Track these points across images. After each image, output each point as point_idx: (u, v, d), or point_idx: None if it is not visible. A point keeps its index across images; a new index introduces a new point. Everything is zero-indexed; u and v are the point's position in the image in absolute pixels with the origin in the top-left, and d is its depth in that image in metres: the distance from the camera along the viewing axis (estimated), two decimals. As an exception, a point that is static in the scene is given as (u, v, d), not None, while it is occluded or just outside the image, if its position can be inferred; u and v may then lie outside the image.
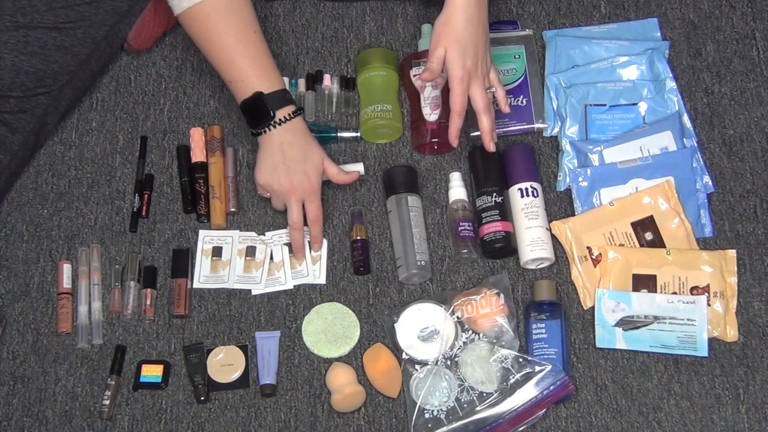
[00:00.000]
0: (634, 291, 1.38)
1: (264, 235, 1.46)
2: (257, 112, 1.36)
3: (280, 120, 1.36)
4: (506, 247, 1.42)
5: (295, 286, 1.42)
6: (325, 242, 1.45)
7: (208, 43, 1.37)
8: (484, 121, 1.40)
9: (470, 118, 1.50)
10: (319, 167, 1.38)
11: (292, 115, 1.37)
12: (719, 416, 1.33)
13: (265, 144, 1.37)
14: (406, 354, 1.36)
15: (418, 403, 1.32)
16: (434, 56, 1.37)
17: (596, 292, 1.38)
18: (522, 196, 1.43)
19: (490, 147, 1.42)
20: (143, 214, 1.47)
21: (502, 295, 1.38)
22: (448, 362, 1.36)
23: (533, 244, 1.40)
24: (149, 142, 1.53)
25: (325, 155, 1.39)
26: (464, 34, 1.35)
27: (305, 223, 1.41)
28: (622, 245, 1.42)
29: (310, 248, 1.44)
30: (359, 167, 1.49)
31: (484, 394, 1.33)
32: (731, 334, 1.37)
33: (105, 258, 1.45)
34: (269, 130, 1.36)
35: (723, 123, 1.52)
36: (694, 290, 1.37)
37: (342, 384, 1.34)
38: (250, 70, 1.36)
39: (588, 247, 1.41)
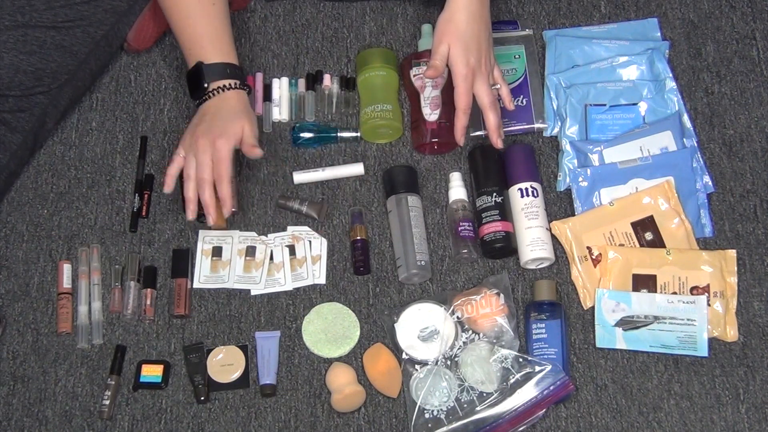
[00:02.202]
0: (634, 291, 1.38)
1: (266, 236, 1.46)
2: (193, 83, 1.38)
3: (213, 91, 1.37)
4: (506, 247, 1.42)
5: (294, 288, 1.43)
6: (324, 242, 1.45)
7: (169, 12, 1.40)
8: (491, 118, 1.40)
9: (472, 117, 1.50)
10: (237, 131, 1.35)
11: (227, 88, 1.37)
12: (719, 416, 1.33)
13: (198, 112, 1.39)
14: (406, 354, 1.36)
15: (418, 403, 1.32)
16: (438, 53, 1.37)
17: (596, 292, 1.38)
18: (522, 196, 1.43)
19: (498, 143, 1.42)
20: (143, 214, 1.47)
21: (502, 295, 1.38)
22: (448, 362, 1.36)
23: (533, 244, 1.40)
24: (149, 142, 1.53)
25: (249, 130, 1.36)
26: (467, 31, 1.36)
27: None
28: (622, 245, 1.42)
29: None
30: (359, 167, 1.49)
31: (484, 394, 1.33)
32: (731, 334, 1.37)
33: (105, 258, 1.45)
34: (205, 100, 1.37)
35: (723, 123, 1.52)
36: (694, 290, 1.37)
37: (342, 384, 1.34)
38: (198, 41, 1.38)
39: (588, 247, 1.41)
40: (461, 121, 1.40)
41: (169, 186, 1.35)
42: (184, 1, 1.38)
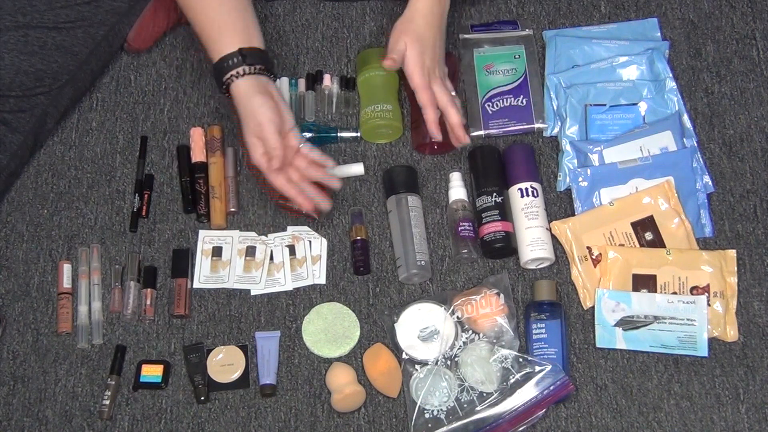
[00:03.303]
0: (634, 291, 1.38)
1: (266, 236, 1.46)
2: (215, 77, 1.36)
3: (224, 88, 1.35)
4: (506, 247, 1.42)
5: (294, 288, 1.43)
6: (324, 242, 1.45)
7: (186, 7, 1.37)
8: (453, 115, 1.40)
9: (470, 117, 1.50)
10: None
11: (231, 81, 1.34)
12: (719, 416, 1.33)
13: (235, 101, 1.36)
14: (406, 354, 1.36)
15: (418, 403, 1.32)
16: (395, 50, 1.38)
17: (596, 292, 1.38)
18: (522, 196, 1.43)
19: (464, 139, 1.42)
20: (143, 214, 1.47)
21: (502, 295, 1.38)
22: (448, 362, 1.36)
23: (533, 244, 1.40)
24: (149, 142, 1.53)
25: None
26: (425, 35, 1.38)
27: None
28: (622, 245, 1.42)
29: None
30: (359, 167, 1.49)
31: (484, 394, 1.33)
32: (731, 334, 1.37)
33: (105, 258, 1.45)
34: (228, 92, 1.35)
35: (723, 123, 1.52)
36: (694, 290, 1.37)
37: (342, 384, 1.34)
38: (204, 40, 1.36)
39: (588, 247, 1.41)
40: (430, 115, 1.39)
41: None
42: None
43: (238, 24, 1.36)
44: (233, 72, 1.33)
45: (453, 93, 1.43)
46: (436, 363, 1.35)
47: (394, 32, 1.39)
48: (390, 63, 1.38)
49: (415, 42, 1.37)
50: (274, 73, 1.38)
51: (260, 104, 1.32)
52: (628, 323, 1.36)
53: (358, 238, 1.44)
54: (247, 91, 1.33)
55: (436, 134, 1.41)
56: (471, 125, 1.50)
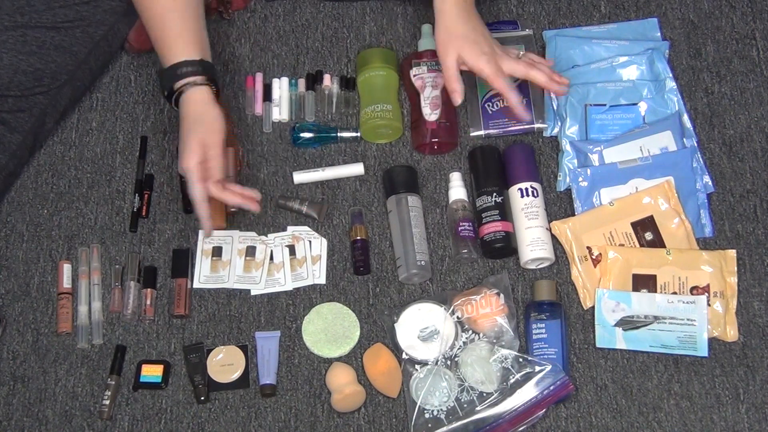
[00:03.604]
0: (634, 291, 1.38)
1: (266, 236, 1.46)
2: (167, 78, 1.36)
3: (181, 88, 1.35)
4: (506, 247, 1.42)
5: (294, 288, 1.43)
6: (324, 242, 1.45)
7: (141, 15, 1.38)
8: (538, 76, 1.39)
9: (470, 117, 1.50)
10: (219, 126, 1.34)
11: (179, 95, 1.35)
12: (719, 416, 1.33)
13: (188, 106, 1.36)
14: (406, 354, 1.36)
15: (418, 403, 1.32)
16: (450, 69, 1.37)
17: (596, 292, 1.38)
18: (522, 196, 1.43)
19: (561, 91, 1.41)
20: (143, 214, 1.47)
21: (502, 295, 1.38)
22: (448, 362, 1.36)
23: (533, 244, 1.40)
24: (149, 142, 1.53)
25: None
26: (466, 31, 1.37)
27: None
28: (622, 245, 1.42)
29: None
30: (359, 167, 1.49)
31: (484, 394, 1.33)
32: (731, 334, 1.37)
33: (105, 258, 1.45)
34: (175, 107, 1.36)
35: (723, 123, 1.52)
36: (694, 290, 1.37)
37: (342, 384, 1.34)
38: (158, 45, 1.36)
39: (588, 247, 1.41)
40: (512, 98, 1.39)
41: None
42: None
43: (196, 35, 1.37)
44: (192, 79, 1.34)
45: (522, 55, 1.41)
46: (436, 363, 1.35)
47: (439, 49, 1.38)
48: (458, 97, 1.38)
49: (464, 45, 1.36)
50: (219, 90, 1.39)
51: (218, 115, 1.34)
52: (628, 323, 1.36)
53: (358, 238, 1.44)
54: (205, 99, 1.35)
55: (524, 116, 1.41)
56: (471, 125, 1.50)
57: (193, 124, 1.33)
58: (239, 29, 1.60)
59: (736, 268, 1.39)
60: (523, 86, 1.53)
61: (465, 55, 1.36)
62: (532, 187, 1.44)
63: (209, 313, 1.41)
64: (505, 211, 1.43)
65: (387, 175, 1.48)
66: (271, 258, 1.44)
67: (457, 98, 1.39)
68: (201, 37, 1.38)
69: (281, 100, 1.55)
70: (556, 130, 1.51)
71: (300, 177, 1.49)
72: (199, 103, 1.34)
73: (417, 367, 1.35)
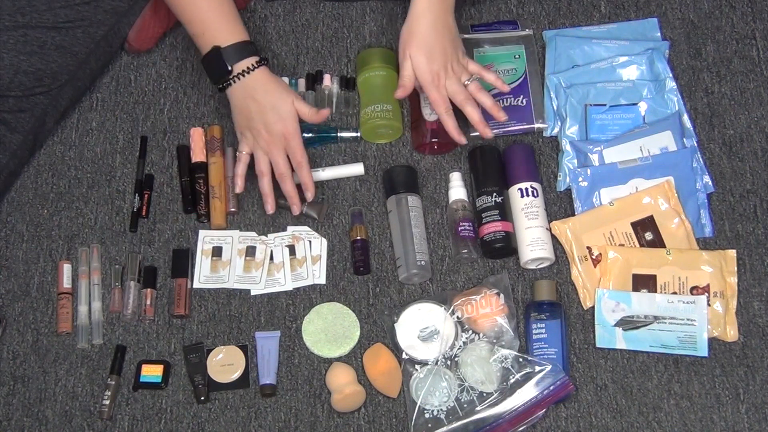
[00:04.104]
0: (634, 291, 1.38)
1: (266, 236, 1.46)
2: (215, 68, 1.37)
3: (239, 74, 1.36)
4: (506, 247, 1.42)
5: (294, 288, 1.43)
6: (324, 242, 1.45)
7: (174, 2, 1.38)
8: (470, 113, 1.41)
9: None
10: (292, 110, 1.37)
11: (254, 67, 1.36)
12: (719, 416, 1.33)
13: (232, 100, 1.38)
14: (406, 354, 1.36)
15: (418, 403, 1.32)
16: (403, 69, 1.39)
17: (596, 292, 1.38)
18: (522, 196, 1.43)
19: (487, 133, 1.42)
20: (143, 214, 1.47)
21: (502, 295, 1.38)
22: (448, 362, 1.36)
23: (533, 244, 1.40)
24: (149, 142, 1.53)
25: (295, 96, 1.38)
26: (427, 39, 1.38)
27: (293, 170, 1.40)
28: (622, 245, 1.42)
29: (303, 200, 1.42)
30: (359, 167, 1.49)
31: (484, 394, 1.33)
32: (731, 334, 1.37)
33: (105, 258, 1.45)
34: (231, 84, 1.37)
35: (723, 123, 1.52)
36: (694, 290, 1.37)
37: (342, 384, 1.34)
38: (209, 24, 1.37)
39: (588, 247, 1.41)
40: (449, 122, 1.41)
41: (240, 187, 1.40)
42: None
43: (237, 18, 1.39)
44: (251, 62, 1.35)
45: (471, 78, 1.41)
46: (436, 363, 1.35)
47: (399, 47, 1.40)
48: (401, 93, 1.40)
49: (418, 52, 1.37)
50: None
51: (289, 91, 1.37)
52: (628, 323, 1.36)
53: (358, 238, 1.44)
54: (270, 75, 1.37)
55: (458, 139, 1.42)
56: (470, 126, 1.50)
57: (262, 108, 1.35)
58: (239, 29, 1.60)
59: (736, 268, 1.39)
60: (524, 86, 1.53)
61: (414, 65, 1.38)
62: (532, 187, 1.44)
63: (209, 313, 1.41)
64: (505, 211, 1.43)
65: (387, 175, 1.48)
66: (271, 258, 1.44)
67: (400, 93, 1.41)
68: (239, 19, 1.39)
69: (281, 100, 1.55)
70: (556, 130, 1.51)
71: (300, 177, 1.49)
72: (266, 81, 1.36)
73: (417, 367, 1.35)
